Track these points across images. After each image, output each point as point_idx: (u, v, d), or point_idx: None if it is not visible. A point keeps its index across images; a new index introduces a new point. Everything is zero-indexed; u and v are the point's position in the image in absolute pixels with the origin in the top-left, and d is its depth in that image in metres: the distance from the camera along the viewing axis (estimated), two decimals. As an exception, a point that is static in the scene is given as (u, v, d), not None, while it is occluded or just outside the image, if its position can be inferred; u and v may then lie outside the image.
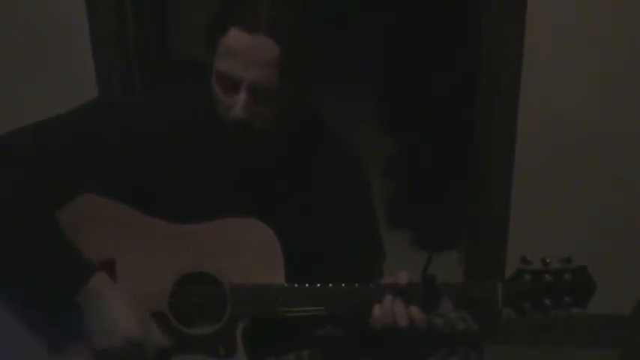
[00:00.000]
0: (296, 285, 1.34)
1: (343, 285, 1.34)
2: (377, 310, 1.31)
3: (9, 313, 1.34)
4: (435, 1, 2.95)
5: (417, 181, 3.21)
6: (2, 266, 1.31)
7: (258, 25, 1.25)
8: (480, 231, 2.47)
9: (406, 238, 3.04)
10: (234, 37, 1.26)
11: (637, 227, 2.37)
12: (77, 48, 2.32)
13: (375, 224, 1.55)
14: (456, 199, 2.89)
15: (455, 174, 2.98)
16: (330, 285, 1.34)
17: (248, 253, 1.36)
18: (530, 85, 2.26)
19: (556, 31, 2.21)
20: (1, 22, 2.31)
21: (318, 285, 1.34)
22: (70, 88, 2.33)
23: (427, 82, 3.05)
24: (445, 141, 3.02)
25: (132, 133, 1.37)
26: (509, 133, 2.31)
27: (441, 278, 1.35)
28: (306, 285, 1.34)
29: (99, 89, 2.34)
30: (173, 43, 3.39)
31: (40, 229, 1.30)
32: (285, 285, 1.34)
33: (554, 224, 2.39)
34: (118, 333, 1.29)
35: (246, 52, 1.26)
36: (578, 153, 2.33)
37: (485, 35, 2.27)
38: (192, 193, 1.39)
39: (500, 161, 2.35)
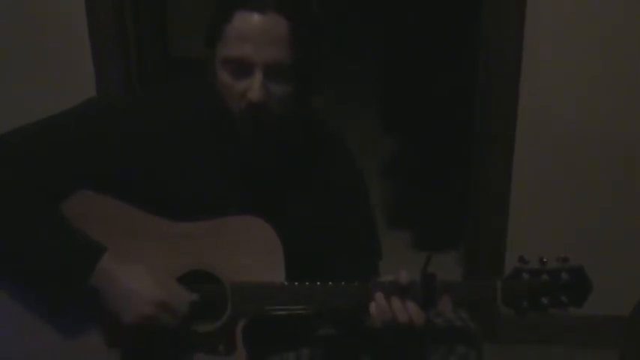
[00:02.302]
0: (296, 283, 1.34)
1: (343, 283, 1.34)
2: (372, 308, 1.32)
3: (21, 308, 1.35)
4: (435, 1, 2.95)
5: (416, 182, 3.21)
6: (8, 259, 1.32)
7: (266, 2, 1.26)
8: (479, 231, 2.47)
9: (406, 238, 3.04)
10: (242, 19, 1.27)
11: (637, 228, 2.37)
12: (77, 48, 2.32)
13: (373, 224, 1.55)
14: (456, 200, 2.89)
15: (454, 174, 2.98)
16: (330, 283, 1.34)
17: (249, 251, 1.36)
18: (530, 87, 2.26)
19: (556, 32, 2.21)
20: (1, 22, 2.31)
21: (318, 283, 1.34)
22: (70, 88, 2.33)
23: (427, 83, 3.05)
24: (445, 142, 3.02)
25: (132, 132, 1.37)
26: (509, 133, 2.32)
27: (440, 278, 1.35)
28: (306, 283, 1.34)
29: (99, 89, 2.34)
30: (173, 42, 3.40)
31: (42, 218, 1.31)
32: (286, 283, 1.34)
33: (553, 224, 2.39)
34: (144, 301, 1.29)
35: (256, 33, 1.27)
36: (577, 154, 2.33)
37: (484, 36, 2.27)
38: (192, 192, 1.39)
39: (500, 161, 2.36)
